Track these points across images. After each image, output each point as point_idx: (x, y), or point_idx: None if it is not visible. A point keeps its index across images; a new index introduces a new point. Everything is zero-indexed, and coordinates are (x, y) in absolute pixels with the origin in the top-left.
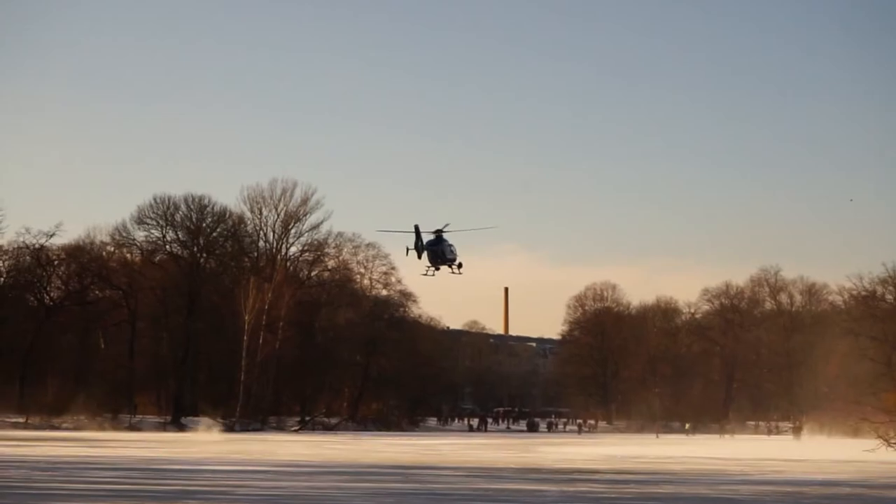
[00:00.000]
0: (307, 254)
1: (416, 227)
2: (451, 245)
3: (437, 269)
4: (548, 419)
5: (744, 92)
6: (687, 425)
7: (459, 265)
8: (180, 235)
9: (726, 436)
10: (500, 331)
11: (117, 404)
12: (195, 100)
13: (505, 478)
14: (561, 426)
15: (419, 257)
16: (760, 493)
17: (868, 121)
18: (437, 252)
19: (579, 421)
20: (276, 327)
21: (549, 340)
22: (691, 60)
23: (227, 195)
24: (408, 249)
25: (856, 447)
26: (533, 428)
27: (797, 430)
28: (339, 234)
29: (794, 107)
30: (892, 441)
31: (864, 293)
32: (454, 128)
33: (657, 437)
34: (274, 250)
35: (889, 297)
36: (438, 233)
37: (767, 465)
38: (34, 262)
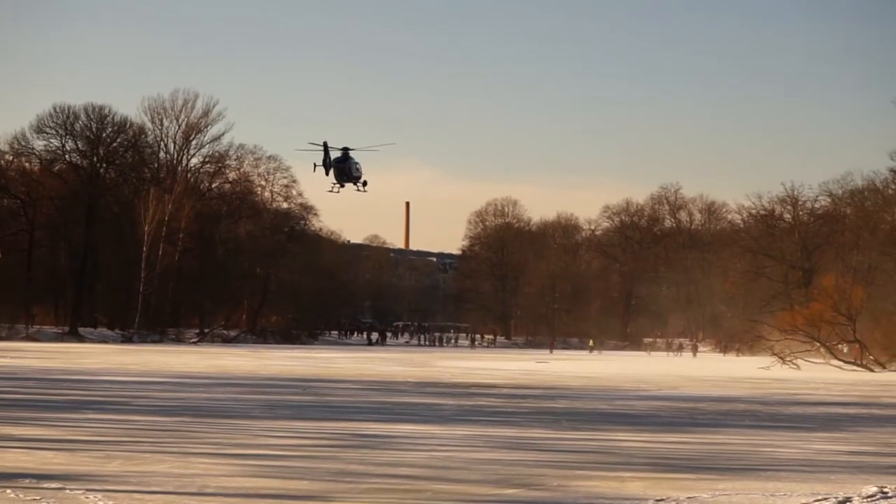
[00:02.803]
0: (208, 165)
1: (325, 144)
2: (357, 163)
3: (343, 185)
4: (445, 333)
5: (644, 9)
6: (591, 342)
7: (364, 183)
8: (80, 145)
9: (625, 352)
10: (401, 245)
11: (14, 314)
12: (97, 10)
13: (402, 391)
14: (454, 341)
15: (327, 174)
16: (656, 408)
17: (771, 39)
18: (344, 169)
19: (471, 336)
20: (176, 238)
21: (450, 255)
22: None
23: (128, 106)
24: (315, 165)
25: (751, 364)
26: (428, 342)
27: (694, 348)
28: (241, 147)
29: (696, 25)
30: (787, 358)
31: (762, 212)
32: (356, 41)
33: (551, 352)
34: (175, 161)
35: (787, 216)
36: (345, 150)
37: (664, 381)
38: None
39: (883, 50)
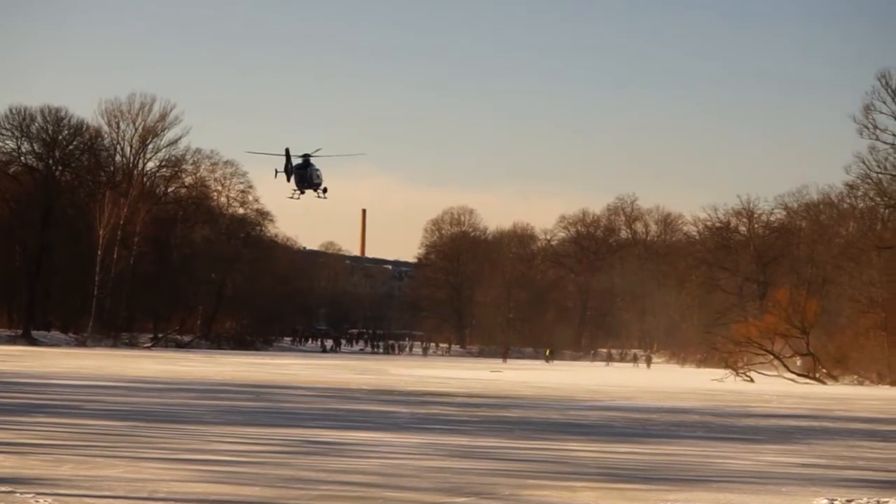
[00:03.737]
0: (164, 169)
1: (287, 151)
2: (317, 170)
3: (303, 192)
4: (399, 341)
5: (602, 21)
6: (547, 351)
7: (325, 190)
8: (36, 147)
9: (580, 362)
10: (357, 252)
11: None
12: (54, 11)
13: (356, 398)
14: (409, 349)
15: (288, 180)
16: (609, 418)
17: (728, 52)
18: (305, 176)
19: (424, 344)
20: (132, 243)
21: (406, 263)
22: None
23: (85, 108)
24: (276, 172)
25: (705, 376)
26: (383, 350)
27: (648, 359)
28: (197, 151)
29: (654, 37)
30: (741, 371)
31: (718, 224)
32: (314, 47)
33: (505, 361)
34: (131, 165)
35: (742, 228)
36: (306, 157)
37: (617, 391)
38: None
39: (839, 64)
